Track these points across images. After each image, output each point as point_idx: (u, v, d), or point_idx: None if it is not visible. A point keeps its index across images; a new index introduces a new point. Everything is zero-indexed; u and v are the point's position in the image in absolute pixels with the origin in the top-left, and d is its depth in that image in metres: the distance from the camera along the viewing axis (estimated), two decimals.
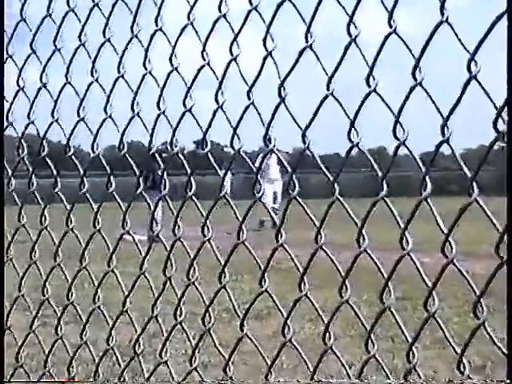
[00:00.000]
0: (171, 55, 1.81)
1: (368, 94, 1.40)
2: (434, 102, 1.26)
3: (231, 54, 1.66)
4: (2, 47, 2.28)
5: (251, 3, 1.60)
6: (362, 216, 1.48)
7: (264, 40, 1.58)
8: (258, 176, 1.68)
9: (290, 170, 1.61)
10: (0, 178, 2.33)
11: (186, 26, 1.76)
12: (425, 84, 1.32)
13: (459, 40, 1.24)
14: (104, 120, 2.00)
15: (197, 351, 1.89)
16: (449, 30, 1.28)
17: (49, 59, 2.16)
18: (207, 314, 1.84)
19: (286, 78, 1.56)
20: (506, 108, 1.18)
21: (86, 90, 2.05)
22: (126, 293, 2.02)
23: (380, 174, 1.41)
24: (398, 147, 1.36)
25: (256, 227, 11.89)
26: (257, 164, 1.75)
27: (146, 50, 1.88)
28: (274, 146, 1.62)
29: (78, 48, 2.06)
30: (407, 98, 1.33)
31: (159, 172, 1.95)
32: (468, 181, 1.26)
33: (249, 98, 1.64)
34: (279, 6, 1.56)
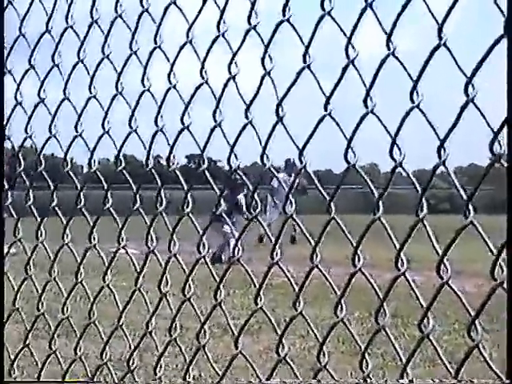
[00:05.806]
0: (169, 73, 1.82)
1: (365, 115, 1.40)
2: (431, 126, 1.26)
3: (229, 73, 1.67)
4: (3, 57, 2.27)
5: (250, 23, 1.62)
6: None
7: (262, 60, 1.59)
8: (254, 192, 1.69)
9: (286, 189, 1.63)
10: (0, 186, 2.32)
11: (184, 45, 1.77)
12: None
13: (456, 63, 1.25)
14: (101, 136, 2.00)
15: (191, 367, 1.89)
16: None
17: (46, 75, 2.17)
18: (202, 331, 1.84)
19: (283, 98, 1.57)
20: (504, 126, 1.18)
21: (84, 106, 2.06)
22: (121, 308, 2.02)
23: (376, 194, 1.41)
24: (394, 169, 1.36)
25: (255, 243, 11.64)
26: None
27: (145, 67, 1.89)
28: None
29: (76, 64, 2.07)
30: (404, 120, 1.33)
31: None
32: (460, 199, 1.26)
33: (246, 117, 1.64)
34: (277, 26, 1.57)
